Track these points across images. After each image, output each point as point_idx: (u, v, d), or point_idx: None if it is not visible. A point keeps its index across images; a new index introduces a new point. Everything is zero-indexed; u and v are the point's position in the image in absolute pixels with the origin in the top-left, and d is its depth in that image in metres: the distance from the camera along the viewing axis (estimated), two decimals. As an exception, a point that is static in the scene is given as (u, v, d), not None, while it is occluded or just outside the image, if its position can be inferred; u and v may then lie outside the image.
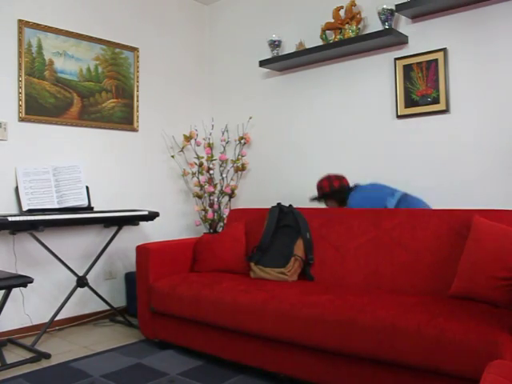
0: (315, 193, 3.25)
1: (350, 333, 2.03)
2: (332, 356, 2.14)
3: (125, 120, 3.76)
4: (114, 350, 2.88)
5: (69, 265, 3.27)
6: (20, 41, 3.17)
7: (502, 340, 1.69)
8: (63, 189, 3.23)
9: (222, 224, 3.89)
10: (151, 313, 2.88)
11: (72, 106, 3.45)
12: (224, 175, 4.00)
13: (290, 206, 3.04)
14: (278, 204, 3.08)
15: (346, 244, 2.79)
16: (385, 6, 2.98)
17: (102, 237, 3.58)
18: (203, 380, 2.41)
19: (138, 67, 3.84)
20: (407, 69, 3.05)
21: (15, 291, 3.06)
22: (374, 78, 3.25)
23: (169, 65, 4.10)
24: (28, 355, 2.78)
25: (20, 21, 3.16)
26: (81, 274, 3.32)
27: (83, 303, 3.50)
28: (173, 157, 4.02)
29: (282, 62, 3.55)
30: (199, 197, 3.95)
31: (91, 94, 3.55)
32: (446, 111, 2.91)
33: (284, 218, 2.98)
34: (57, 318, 3.22)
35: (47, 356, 2.75)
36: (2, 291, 2.65)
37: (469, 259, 2.21)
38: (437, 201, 2.92)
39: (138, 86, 3.83)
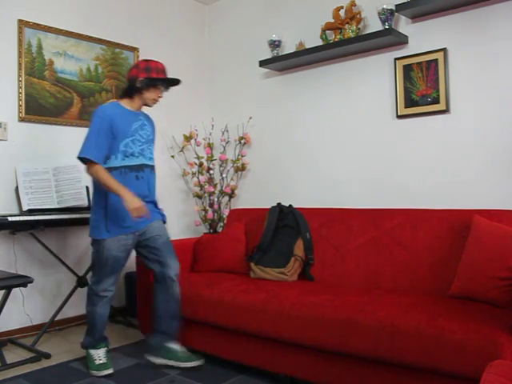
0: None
1: (349, 333, 2.03)
2: (332, 356, 2.14)
3: (125, 120, 3.75)
4: (114, 349, 2.88)
5: (69, 265, 3.27)
6: (20, 41, 3.17)
7: (502, 340, 1.69)
8: (63, 189, 3.23)
9: (222, 224, 3.89)
10: (151, 313, 2.88)
11: (72, 106, 3.45)
12: (224, 175, 4.00)
13: (290, 206, 3.04)
14: (278, 204, 3.08)
15: (345, 244, 2.79)
16: (385, 6, 2.98)
17: (102, 237, 3.58)
18: (203, 380, 2.41)
19: (138, 67, 3.83)
20: (407, 69, 3.05)
21: (15, 291, 3.06)
22: (374, 78, 3.24)
23: (169, 65, 4.06)
24: (28, 355, 2.78)
25: (20, 21, 3.16)
26: (81, 274, 3.32)
27: (83, 303, 3.48)
28: (173, 157, 4.02)
29: (281, 62, 3.55)
30: (199, 197, 3.95)
31: (91, 94, 3.55)
32: (445, 111, 2.91)
33: (284, 218, 2.97)
34: (57, 318, 3.22)
35: (47, 356, 2.75)
36: (2, 291, 2.65)
37: (469, 259, 2.21)
38: (437, 201, 2.92)
39: (138, 86, 3.82)
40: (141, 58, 2.55)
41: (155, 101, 2.61)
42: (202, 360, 2.57)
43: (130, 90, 2.55)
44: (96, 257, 2.55)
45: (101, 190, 2.49)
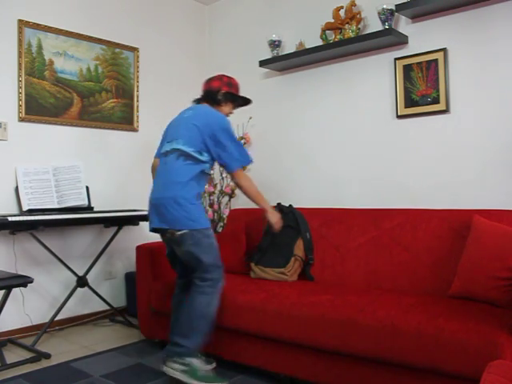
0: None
1: (349, 333, 2.03)
2: (332, 356, 2.14)
3: (125, 120, 3.76)
4: (113, 349, 2.88)
5: (69, 265, 3.26)
6: (20, 41, 3.17)
7: (502, 340, 1.69)
8: (63, 189, 3.23)
9: (222, 224, 3.89)
10: (151, 313, 2.88)
11: (72, 106, 3.45)
12: (224, 175, 3.99)
13: (290, 206, 3.04)
14: (278, 204, 3.08)
15: (345, 244, 2.79)
16: (385, 6, 2.98)
17: (102, 237, 3.58)
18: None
19: (137, 67, 3.83)
20: (407, 69, 3.05)
21: (15, 291, 3.06)
22: (374, 78, 3.24)
23: (169, 65, 4.10)
24: (28, 355, 2.78)
25: (20, 21, 3.16)
26: (81, 274, 3.32)
27: (83, 303, 3.50)
28: (173, 157, 4.02)
29: (282, 62, 3.55)
30: (199, 197, 3.94)
31: (91, 94, 3.55)
32: (445, 111, 2.91)
33: (284, 219, 2.97)
34: (57, 318, 3.22)
35: (47, 356, 2.75)
36: (2, 291, 2.65)
37: (469, 259, 2.21)
38: (437, 201, 2.92)
39: (137, 86, 3.83)
40: (221, 73, 2.72)
41: (228, 116, 2.63)
42: (214, 363, 2.57)
43: (209, 100, 2.57)
44: (210, 249, 2.37)
45: (198, 181, 2.40)
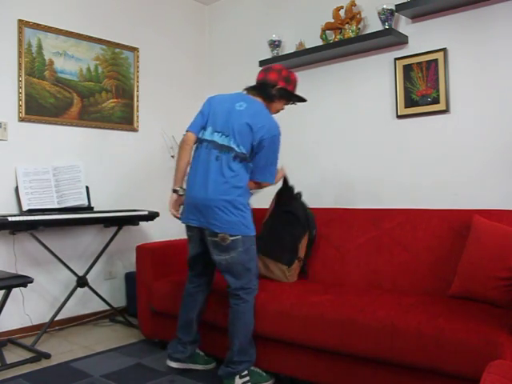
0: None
1: (349, 333, 2.03)
2: (332, 356, 2.14)
3: (125, 120, 3.76)
4: (113, 349, 2.88)
5: (69, 265, 3.26)
6: (20, 41, 3.17)
7: (502, 340, 1.69)
8: (63, 189, 3.23)
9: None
10: (151, 313, 2.88)
11: (72, 106, 3.45)
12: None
13: (299, 193, 2.89)
14: (291, 187, 2.93)
15: (346, 244, 2.79)
16: (385, 6, 2.98)
17: (102, 237, 3.58)
18: (203, 380, 2.41)
19: (137, 67, 3.83)
20: (407, 69, 3.05)
21: (15, 291, 3.05)
22: (374, 78, 3.24)
23: (169, 65, 4.10)
24: (28, 355, 2.78)
25: (20, 21, 3.16)
26: (81, 274, 3.32)
27: (83, 303, 3.50)
28: (173, 157, 4.02)
29: (281, 62, 3.54)
30: (199, 197, 3.93)
31: (91, 94, 3.55)
32: (445, 111, 2.91)
33: (287, 204, 2.84)
34: (57, 318, 3.22)
35: (47, 356, 2.75)
36: (2, 291, 2.65)
37: (469, 259, 2.21)
38: (437, 201, 2.92)
39: (137, 86, 3.83)
40: (281, 65, 2.50)
41: (278, 111, 2.49)
42: (214, 363, 2.58)
43: (262, 94, 2.39)
44: (255, 257, 2.33)
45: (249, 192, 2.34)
